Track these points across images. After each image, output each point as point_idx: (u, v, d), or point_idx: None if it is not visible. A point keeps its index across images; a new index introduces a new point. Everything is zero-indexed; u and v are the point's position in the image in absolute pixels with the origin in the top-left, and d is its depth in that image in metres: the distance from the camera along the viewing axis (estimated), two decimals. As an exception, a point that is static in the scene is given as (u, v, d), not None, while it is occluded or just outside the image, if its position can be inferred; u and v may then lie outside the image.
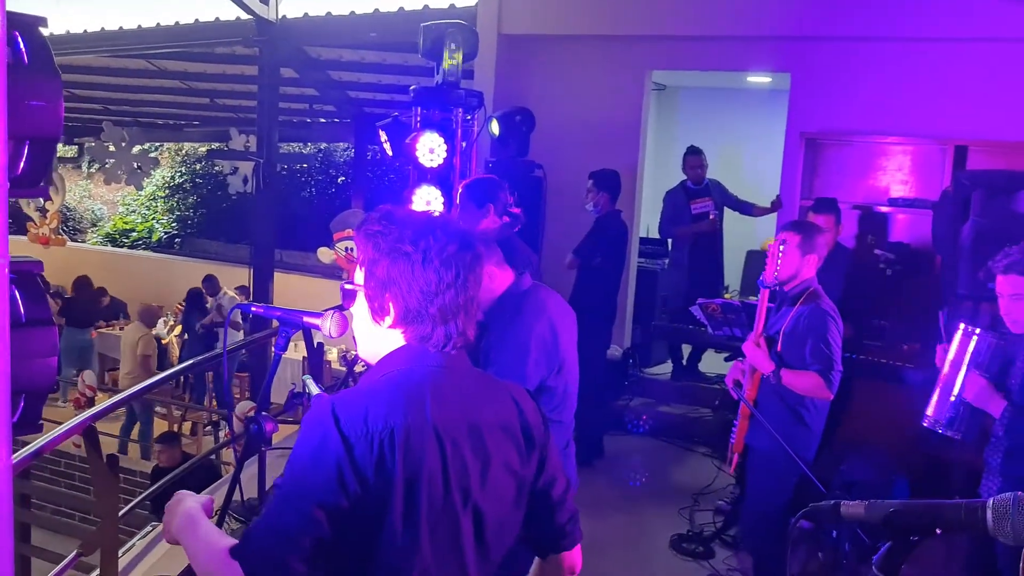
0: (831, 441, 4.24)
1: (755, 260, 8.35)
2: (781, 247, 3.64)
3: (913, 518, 1.16)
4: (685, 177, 7.06)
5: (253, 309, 2.03)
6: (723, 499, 5.37)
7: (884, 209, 6.20)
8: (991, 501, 1.09)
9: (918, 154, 6.25)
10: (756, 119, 8.84)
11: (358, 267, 1.71)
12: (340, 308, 1.88)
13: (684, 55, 7.11)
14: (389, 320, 1.66)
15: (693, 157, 7.01)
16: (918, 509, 1.16)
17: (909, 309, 5.83)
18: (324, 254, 6.75)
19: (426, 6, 7.63)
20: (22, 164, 1.29)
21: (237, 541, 1.57)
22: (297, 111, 11.73)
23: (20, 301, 1.36)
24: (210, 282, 11.22)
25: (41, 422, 1.57)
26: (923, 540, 1.15)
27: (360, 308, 1.71)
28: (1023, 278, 3.03)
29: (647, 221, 7.96)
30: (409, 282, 1.62)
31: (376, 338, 1.70)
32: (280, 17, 8.07)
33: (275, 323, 2.30)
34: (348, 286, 1.72)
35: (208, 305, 11.07)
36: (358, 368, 4.29)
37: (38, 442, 3.18)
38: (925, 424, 3.32)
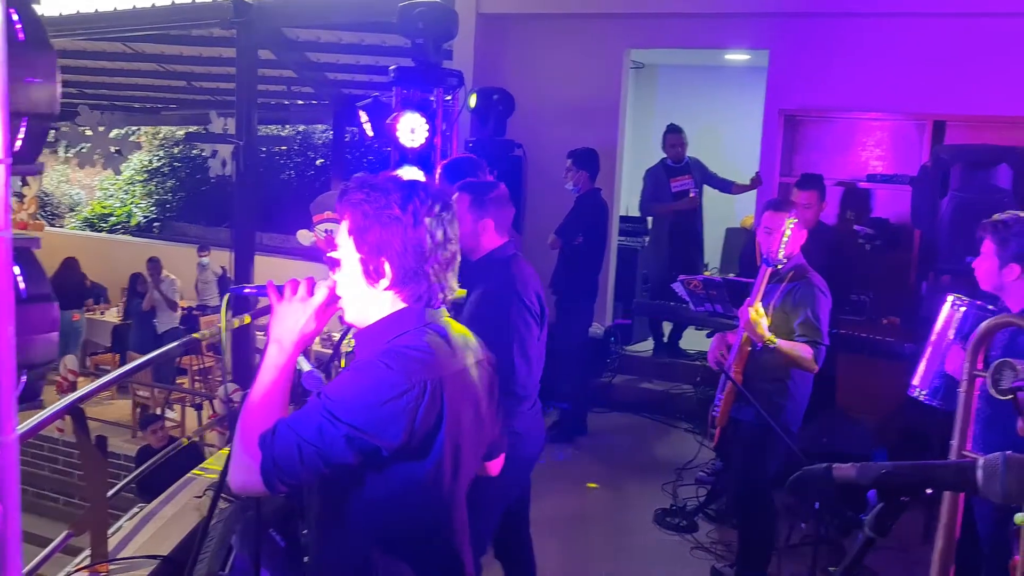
0: (815, 414, 4.30)
1: (734, 237, 8.40)
2: (790, 225, 3.64)
3: (904, 479, 1.19)
4: (665, 155, 7.09)
5: (246, 290, 2.05)
6: (704, 471, 5.44)
7: (863, 185, 6.26)
8: (981, 460, 1.13)
9: (896, 130, 6.30)
10: (735, 96, 8.87)
11: (343, 235, 1.76)
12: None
13: (662, 33, 7.12)
14: (385, 282, 1.75)
15: (673, 135, 7.02)
16: (909, 470, 1.19)
17: (889, 284, 5.91)
18: (304, 236, 6.72)
19: (404, -15, 7.58)
20: (20, 141, 1.30)
21: (287, 416, 1.70)
22: (275, 93, 11.64)
23: (21, 277, 1.38)
24: (152, 264, 11.25)
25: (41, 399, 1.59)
26: (913, 500, 1.19)
27: (349, 274, 1.77)
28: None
29: (627, 199, 7.99)
30: (403, 244, 1.71)
31: (368, 300, 1.79)
32: (258, -3, 8.01)
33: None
34: (333, 254, 1.79)
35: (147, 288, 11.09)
36: (345, 347, 4.30)
37: (28, 423, 3.17)
38: (910, 393, 3.36)
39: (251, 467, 1.66)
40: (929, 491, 1.18)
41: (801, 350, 3.63)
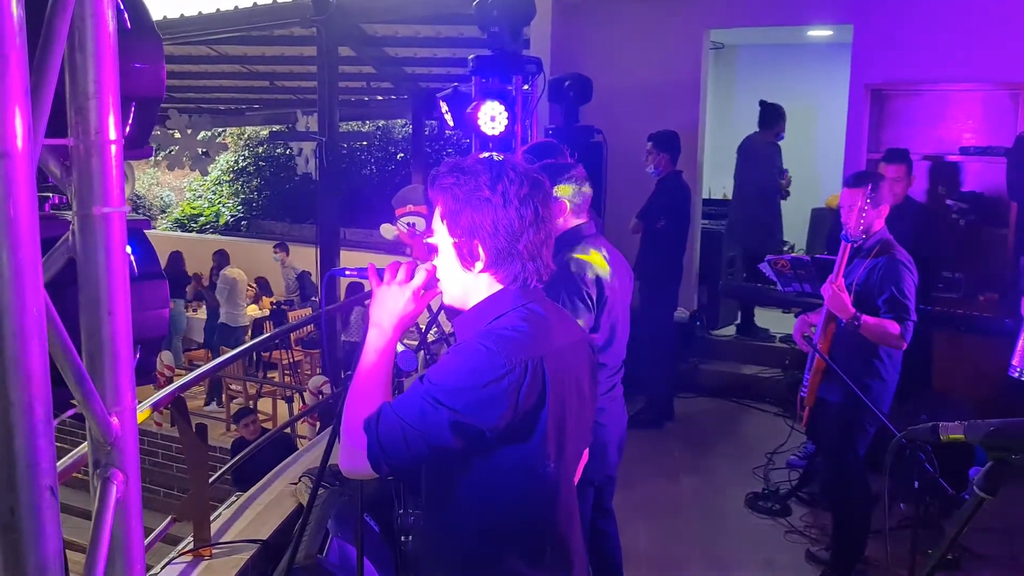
0: (908, 393, 4.18)
1: (819, 218, 8.21)
2: (868, 201, 3.58)
3: (1014, 435, 1.16)
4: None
5: (347, 272, 2.10)
6: (795, 454, 5.35)
7: (955, 158, 6.04)
8: None
9: (988, 100, 6.07)
10: (818, 74, 8.67)
11: (436, 220, 1.78)
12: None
13: (741, 12, 7.00)
14: (480, 265, 1.76)
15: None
16: (1019, 426, 1.16)
17: (985, 259, 5.70)
18: (387, 230, 6.83)
19: (479, -23, 7.62)
20: (129, 125, 1.37)
21: (391, 400, 1.73)
22: (355, 90, 11.83)
23: (133, 256, 1.45)
24: (219, 257, 11.58)
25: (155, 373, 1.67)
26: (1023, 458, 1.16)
27: (446, 259, 1.79)
28: None
29: (709, 181, 7.88)
30: (494, 225, 1.71)
31: (466, 284, 1.81)
32: (336, -5, 8.15)
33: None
34: (429, 240, 1.81)
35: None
36: (433, 334, 4.36)
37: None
38: (1012, 374, 3.25)
39: (358, 451, 1.69)
40: None
41: (887, 326, 3.54)
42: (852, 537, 3.92)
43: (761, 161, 7.02)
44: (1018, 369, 3.21)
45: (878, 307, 3.60)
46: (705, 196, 7.85)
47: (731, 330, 7.44)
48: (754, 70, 9.44)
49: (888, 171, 4.74)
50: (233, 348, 10.27)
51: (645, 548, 4.23)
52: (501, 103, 5.07)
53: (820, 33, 8.27)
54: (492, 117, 5.05)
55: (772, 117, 6.99)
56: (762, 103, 7.17)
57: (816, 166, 8.68)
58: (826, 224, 6.73)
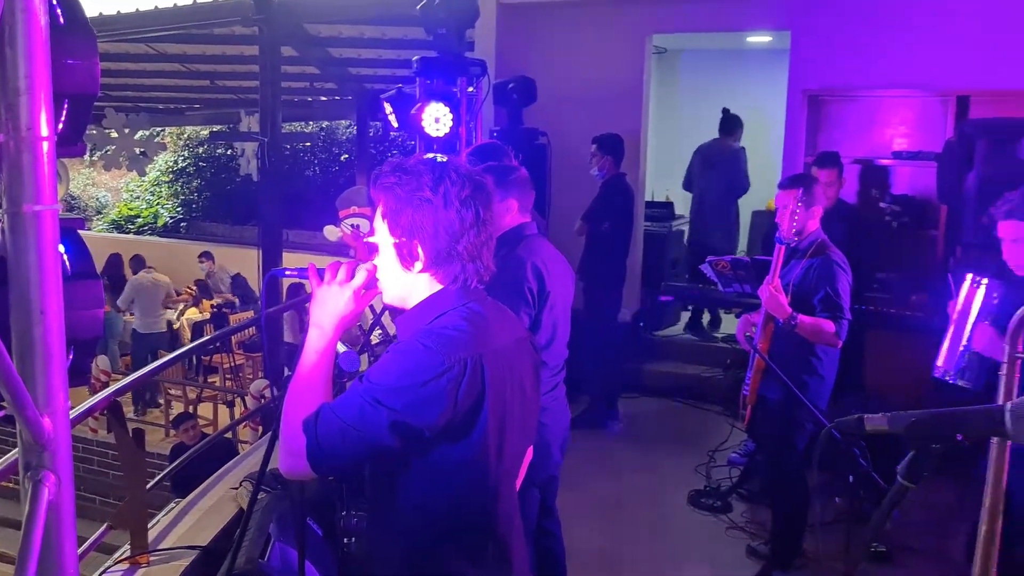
0: (844, 390, 4.29)
1: (760, 220, 8.37)
2: (799, 203, 3.67)
3: (934, 426, 1.20)
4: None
5: (287, 272, 2.08)
6: (736, 451, 5.44)
7: (888, 162, 6.21)
8: (1009, 404, 1.14)
9: (920, 106, 6.24)
10: (758, 78, 8.81)
11: (378, 220, 1.79)
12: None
13: (683, 18, 7.09)
14: (419, 265, 1.76)
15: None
16: (940, 417, 1.20)
17: (917, 260, 5.87)
18: (330, 232, 6.78)
19: (424, -22, 7.60)
20: (62, 122, 1.34)
21: (331, 401, 1.72)
22: (298, 90, 11.71)
23: (66, 255, 1.42)
24: (136, 261, 11.42)
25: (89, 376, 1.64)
26: (945, 447, 1.20)
27: (386, 258, 1.79)
28: (1023, 222, 3.06)
29: (652, 184, 7.97)
30: (435, 226, 1.72)
31: (406, 284, 1.81)
32: (278, -5, 8.07)
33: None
34: (370, 239, 1.81)
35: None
36: (377, 335, 4.34)
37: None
38: (936, 375, 3.35)
39: (298, 452, 1.68)
40: (960, 437, 1.18)
41: (823, 325, 3.65)
42: (790, 531, 4.01)
43: (728, 166, 7.38)
44: (942, 370, 3.31)
45: (814, 306, 3.69)
46: (648, 199, 7.94)
47: (674, 330, 7.54)
48: (696, 75, 9.58)
49: (820, 175, 4.88)
50: (146, 357, 10.10)
51: (589, 547, 4.26)
52: (445, 105, 5.08)
53: (760, 39, 8.42)
54: (436, 119, 5.06)
55: (733, 124, 7.47)
56: (724, 111, 7.57)
57: (756, 169, 8.84)
58: (766, 226, 6.88)
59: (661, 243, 7.66)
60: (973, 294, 3.25)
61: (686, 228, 8.29)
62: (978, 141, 5.31)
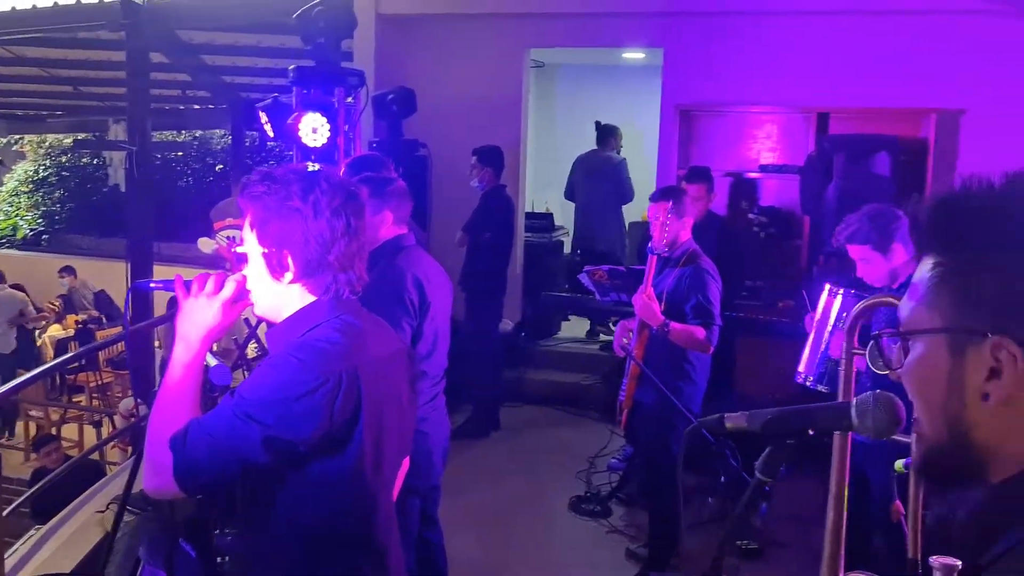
0: (716, 394, 4.44)
1: (635, 231, 8.59)
2: (669, 215, 3.80)
3: (788, 422, 1.28)
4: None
5: (151, 285, 2.01)
6: (615, 457, 5.56)
7: (755, 175, 6.49)
8: (854, 400, 1.22)
9: (784, 122, 6.56)
10: (633, 94, 9.07)
11: (246, 229, 1.75)
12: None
13: (560, 33, 7.24)
14: (289, 276, 1.73)
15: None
16: (793, 414, 1.27)
17: (783, 268, 6.15)
18: (205, 244, 6.58)
19: (301, -14, 7.49)
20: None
21: (199, 416, 1.67)
22: (170, 98, 11.33)
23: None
24: None
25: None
26: (799, 442, 1.27)
27: (256, 269, 1.76)
28: (865, 246, 3.25)
29: (532, 195, 8.08)
30: (305, 235, 1.70)
31: (277, 295, 1.78)
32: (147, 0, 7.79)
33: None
34: (239, 250, 1.77)
35: None
36: (254, 349, 4.26)
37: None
38: (797, 380, 3.52)
39: (163, 470, 1.63)
40: (812, 432, 1.26)
41: (695, 331, 3.79)
42: (666, 533, 4.12)
43: (611, 176, 7.61)
44: (803, 375, 3.48)
45: (686, 313, 3.82)
46: (528, 209, 8.04)
47: (555, 339, 7.65)
48: (574, 89, 9.78)
49: (689, 189, 5.05)
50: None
51: (471, 556, 4.27)
52: (323, 115, 5.02)
53: (634, 56, 8.67)
54: (314, 129, 4.98)
55: (607, 134, 7.69)
56: (597, 123, 7.80)
57: (632, 182, 9.08)
58: (640, 237, 7.07)
59: (541, 253, 7.76)
60: (831, 304, 3.43)
61: (566, 239, 8.43)
62: (836, 155, 5.63)
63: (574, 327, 8.09)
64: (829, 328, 3.39)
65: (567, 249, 8.47)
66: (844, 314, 3.34)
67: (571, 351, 7.40)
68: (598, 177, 7.71)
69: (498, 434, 6.17)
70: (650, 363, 3.89)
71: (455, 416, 6.25)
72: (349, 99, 5.53)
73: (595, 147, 7.81)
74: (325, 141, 5.06)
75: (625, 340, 4.02)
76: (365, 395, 1.69)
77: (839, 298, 3.40)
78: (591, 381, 6.84)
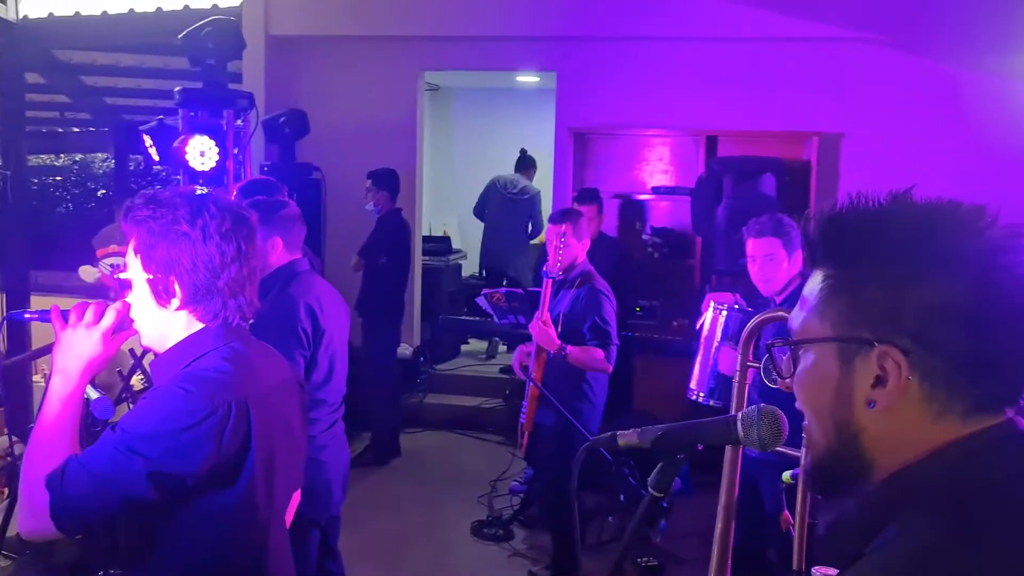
0: (613, 416, 4.49)
1: (535, 252, 8.68)
2: (562, 239, 3.82)
3: (678, 437, 1.29)
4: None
5: (26, 315, 1.91)
6: (517, 479, 5.55)
7: (649, 197, 6.62)
8: (740, 414, 1.25)
9: (675, 144, 6.72)
10: (528, 117, 9.16)
11: (130, 255, 1.69)
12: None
13: (454, 56, 7.26)
14: (176, 302, 1.68)
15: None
16: (682, 430, 1.30)
17: (677, 287, 6.28)
18: (87, 272, 6.30)
19: (186, 6, 7.30)
20: None
21: (79, 453, 1.59)
22: (47, 120, 10.85)
23: None
24: None
25: None
26: (688, 456, 1.29)
27: (140, 296, 1.69)
28: (777, 240, 3.34)
29: (429, 219, 8.05)
30: (193, 261, 1.64)
31: (163, 323, 1.72)
32: (21, 17, 7.45)
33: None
34: (122, 275, 1.71)
35: None
36: (140, 380, 4.08)
37: None
38: (689, 396, 3.57)
39: (39, 510, 1.55)
40: (700, 447, 1.28)
41: (593, 352, 3.82)
42: (568, 553, 4.12)
43: (526, 204, 7.97)
44: (695, 391, 3.54)
45: (584, 335, 3.85)
46: (426, 233, 8.01)
47: (455, 363, 7.61)
48: (469, 112, 9.82)
49: (581, 210, 5.11)
50: None
51: (373, 587, 4.18)
52: (211, 138, 4.88)
53: (528, 79, 8.76)
54: (201, 152, 4.84)
55: (527, 164, 8.13)
56: (522, 151, 8.15)
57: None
58: (536, 259, 7.14)
59: (439, 277, 7.73)
60: (716, 320, 3.49)
61: (464, 262, 8.43)
62: (725, 177, 5.79)
63: (474, 350, 8.09)
64: (716, 344, 3.45)
65: (465, 272, 8.48)
66: (730, 330, 3.41)
67: (471, 374, 7.38)
68: (513, 202, 7.96)
69: (398, 461, 6.08)
70: (549, 384, 3.90)
71: (354, 444, 6.13)
72: (239, 122, 5.40)
73: (513, 172, 8.09)
74: (214, 165, 4.92)
75: (523, 363, 4.02)
76: (255, 426, 1.64)
77: (724, 314, 3.46)
78: (491, 404, 6.82)
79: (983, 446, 0.92)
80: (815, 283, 1.00)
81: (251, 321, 1.77)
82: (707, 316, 3.51)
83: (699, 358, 3.50)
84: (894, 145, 6.20)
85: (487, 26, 6.82)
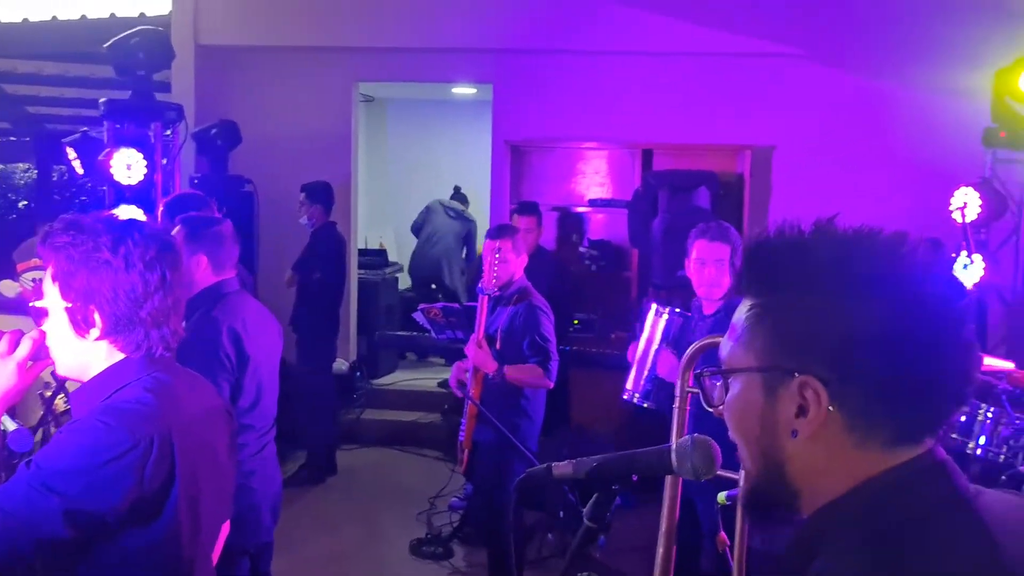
0: (552, 431, 4.47)
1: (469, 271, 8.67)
2: (497, 255, 3.79)
3: (613, 469, 1.28)
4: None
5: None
6: (456, 496, 5.49)
7: (586, 210, 6.64)
8: (674, 444, 1.24)
9: (612, 157, 6.76)
10: (464, 128, 9.13)
11: (47, 282, 1.62)
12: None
13: (390, 67, 7.19)
14: (96, 332, 1.62)
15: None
16: (616, 460, 1.28)
17: (614, 300, 6.30)
18: (7, 287, 6.08)
19: (112, 14, 7.11)
20: None
21: None
22: (-36, 130, 10.48)
23: None
24: None
25: None
26: (624, 488, 1.27)
27: (58, 325, 1.63)
28: (726, 246, 3.36)
29: (365, 232, 7.96)
30: (114, 290, 1.59)
31: (82, 353, 1.65)
32: (-63, 24, 7.18)
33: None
34: (37, 303, 1.64)
35: None
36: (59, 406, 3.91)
37: None
38: (624, 397, 3.55)
39: None
40: (635, 478, 1.27)
41: (531, 370, 3.79)
42: (506, 571, 4.08)
43: (461, 229, 8.23)
44: (631, 392, 3.52)
45: (523, 351, 3.82)
46: (361, 246, 7.91)
47: (391, 379, 7.52)
48: (405, 123, 9.73)
49: (520, 222, 5.11)
50: None
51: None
52: (138, 151, 4.76)
53: (465, 91, 8.73)
54: (128, 166, 4.73)
55: (463, 200, 8.42)
56: (455, 188, 8.46)
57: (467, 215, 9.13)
58: (473, 274, 7.12)
59: (376, 290, 7.64)
60: (656, 324, 3.48)
61: (401, 275, 8.36)
62: (660, 190, 5.84)
63: (412, 364, 8.02)
64: (655, 347, 3.44)
65: (402, 285, 8.40)
66: (670, 333, 3.41)
67: (409, 388, 7.29)
68: (452, 217, 8.26)
69: (335, 479, 5.97)
70: (486, 400, 3.87)
71: (288, 464, 6.02)
72: (167, 133, 5.28)
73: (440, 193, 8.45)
74: (141, 178, 4.81)
75: (461, 379, 3.98)
76: (179, 458, 1.59)
77: (665, 317, 3.44)
78: (430, 419, 6.75)
79: (903, 480, 0.92)
80: (741, 312, 1.01)
81: (174, 349, 1.70)
82: (648, 319, 3.50)
83: (636, 359, 3.48)
84: (824, 157, 6.33)
85: (423, 38, 6.78)
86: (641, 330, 3.58)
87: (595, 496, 1.29)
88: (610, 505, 1.27)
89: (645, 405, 3.47)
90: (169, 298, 1.64)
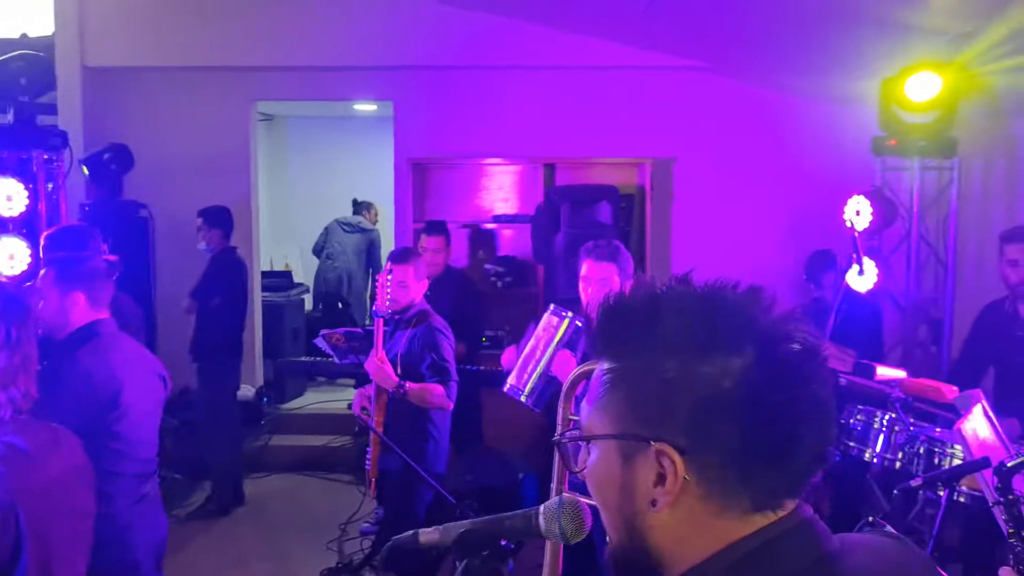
0: (462, 452, 4.44)
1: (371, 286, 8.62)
2: (389, 277, 3.76)
3: (480, 534, 1.22)
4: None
5: None
6: (367, 521, 5.41)
7: (491, 226, 6.63)
8: (542, 507, 1.19)
9: (515, 173, 6.77)
10: (366, 145, 9.04)
11: None
12: None
13: (288, 85, 7.06)
14: None
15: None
16: (484, 525, 1.22)
17: (521, 316, 6.28)
18: None
19: (-8, 35, 6.81)
20: None
21: None
22: None
23: None
24: None
25: None
26: (494, 554, 1.21)
27: None
28: (612, 264, 3.38)
29: (270, 253, 7.80)
30: None
31: None
32: None
33: None
34: None
35: None
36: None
37: None
38: (505, 390, 3.49)
39: None
40: (504, 542, 1.21)
41: (432, 389, 3.78)
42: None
43: (365, 244, 8.45)
44: (514, 387, 3.49)
45: (423, 374, 3.79)
46: (266, 268, 7.74)
47: (300, 402, 7.38)
48: (306, 141, 9.59)
49: (429, 243, 5.07)
50: None
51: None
52: (19, 180, 4.56)
53: (366, 108, 8.65)
54: (8, 196, 4.52)
55: (363, 208, 8.58)
56: (354, 200, 8.58)
57: (372, 234, 9.03)
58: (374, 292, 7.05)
59: (281, 313, 7.49)
60: (556, 324, 3.40)
61: (307, 296, 8.22)
62: (563, 205, 5.87)
63: (322, 386, 7.87)
64: (553, 348, 3.37)
65: (308, 307, 8.27)
66: (568, 336, 3.37)
67: (319, 412, 7.16)
68: (351, 233, 8.38)
69: (242, 510, 5.81)
70: (391, 426, 3.82)
71: (194, 496, 5.84)
72: (47, 158, 5.07)
73: (349, 211, 8.54)
74: (24, 209, 4.61)
75: (364, 406, 3.92)
76: (26, 527, 1.51)
77: (566, 321, 3.37)
78: (341, 442, 6.64)
79: (765, 545, 0.90)
80: (598, 375, 0.97)
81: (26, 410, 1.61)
82: (544, 318, 3.44)
83: (524, 353, 3.44)
84: (722, 168, 6.45)
85: (321, 56, 6.68)
86: (535, 326, 3.52)
87: (464, 563, 1.21)
88: (482, 572, 1.21)
89: (523, 400, 3.39)
90: (16, 357, 1.57)
